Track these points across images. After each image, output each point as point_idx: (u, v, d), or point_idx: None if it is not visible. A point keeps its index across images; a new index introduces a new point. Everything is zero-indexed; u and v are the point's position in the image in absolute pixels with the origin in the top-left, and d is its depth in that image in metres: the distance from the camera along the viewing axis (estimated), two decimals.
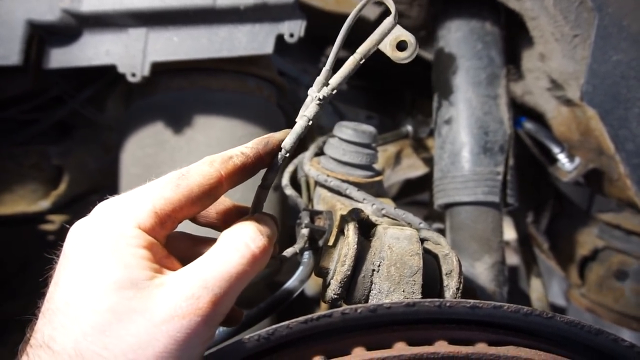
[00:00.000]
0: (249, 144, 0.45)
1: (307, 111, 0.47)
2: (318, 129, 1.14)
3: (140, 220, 0.38)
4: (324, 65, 1.41)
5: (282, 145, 0.47)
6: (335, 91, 0.48)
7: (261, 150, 0.45)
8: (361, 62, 0.49)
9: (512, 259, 1.35)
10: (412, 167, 1.20)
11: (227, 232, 0.41)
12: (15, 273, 1.10)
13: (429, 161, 1.20)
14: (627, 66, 0.78)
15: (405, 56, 0.48)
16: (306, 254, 0.71)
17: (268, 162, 0.46)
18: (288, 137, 0.47)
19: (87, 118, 1.06)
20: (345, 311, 0.40)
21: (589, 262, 1.13)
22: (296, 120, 0.48)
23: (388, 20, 0.48)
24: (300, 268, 0.69)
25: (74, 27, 0.77)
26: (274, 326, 0.40)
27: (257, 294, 0.98)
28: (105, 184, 1.11)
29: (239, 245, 0.39)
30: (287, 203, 1.05)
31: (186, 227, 0.47)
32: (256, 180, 0.49)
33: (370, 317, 0.41)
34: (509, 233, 1.27)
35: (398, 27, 0.48)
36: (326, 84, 0.48)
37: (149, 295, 0.35)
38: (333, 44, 1.54)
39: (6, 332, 1.02)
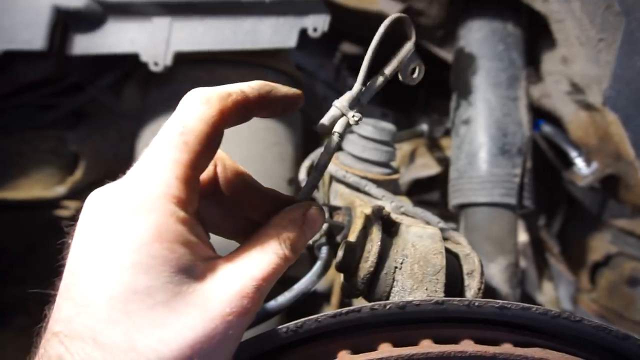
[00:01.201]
0: (252, 83, 0.41)
1: (338, 127, 0.45)
2: None
3: (175, 196, 0.35)
4: (337, 61, 1.39)
5: (315, 168, 0.45)
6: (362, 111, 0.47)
7: (263, 94, 0.41)
8: (387, 80, 0.49)
9: (523, 261, 1.34)
10: (426, 166, 1.20)
11: (273, 230, 0.39)
12: (24, 257, 1.11)
13: (442, 161, 1.19)
14: None
15: (416, 80, 0.52)
16: (324, 249, 0.71)
17: (268, 112, 0.42)
18: (322, 156, 0.45)
19: (104, 105, 1.06)
20: (374, 307, 0.40)
21: (601, 267, 1.13)
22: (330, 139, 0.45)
23: (410, 44, 0.50)
24: (318, 263, 0.69)
25: (99, 14, 0.77)
26: (302, 319, 0.40)
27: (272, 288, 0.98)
28: (120, 171, 1.11)
29: (279, 249, 0.38)
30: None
31: None
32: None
33: (398, 314, 0.41)
34: (521, 236, 1.27)
35: (413, 53, 0.51)
36: (358, 101, 0.47)
37: (204, 289, 0.34)
38: (348, 39, 1.54)
39: (8, 315, 1.03)
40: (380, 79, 0.48)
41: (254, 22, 0.78)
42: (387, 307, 0.40)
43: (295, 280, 0.67)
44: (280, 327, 0.40)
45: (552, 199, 1.22)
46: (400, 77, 0.50)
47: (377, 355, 0.40)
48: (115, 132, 1.09)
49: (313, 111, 1.18)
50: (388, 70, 0.49)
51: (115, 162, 1.10)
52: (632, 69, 0.78)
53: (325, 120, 0.45)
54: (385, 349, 0.41)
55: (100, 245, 0.34)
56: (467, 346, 0.40)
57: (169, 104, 0.96)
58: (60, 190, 0.98)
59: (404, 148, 1.14)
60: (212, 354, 0.34)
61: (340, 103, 0.46)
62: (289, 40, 0.78)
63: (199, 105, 0.38)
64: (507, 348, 0.40)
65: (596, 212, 1.18)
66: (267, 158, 0.97)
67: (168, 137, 0.37)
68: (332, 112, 0.46)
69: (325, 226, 0.68)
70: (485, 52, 0.94)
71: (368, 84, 0.48)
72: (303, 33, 0.79)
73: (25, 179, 0.98)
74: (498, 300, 0.41)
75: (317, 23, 0.77)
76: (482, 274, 0.55)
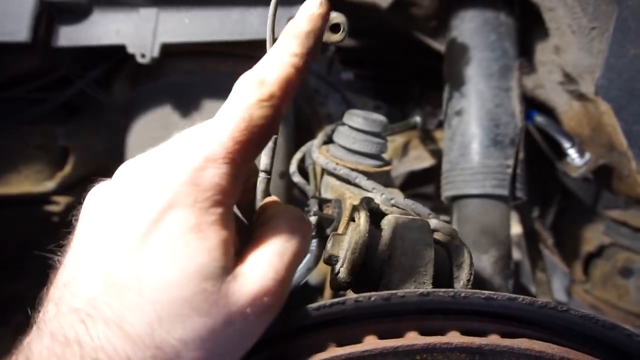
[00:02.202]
0: (296, 48, 0.39)
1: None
2: (326, 117, 1.13)
3: (218, 181, 0.34)
4: (331, 53, 1.38)
5: (263, 168, 0.46)
6: None
7: (313, 52, 0.40)
8: None
9: (516, 253, 1.34)
10: (419, 159, 1.19)
11: (281, 221, 0.39)
12: (17, 253, 1.10)
13: (436, 153, 1.19)
14: None
15: (339, 38, 0.48)
16: (314, 242, 0.71)
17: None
18: (264, 156, 0.46)
19: (94, 99, 1.05)
20: (358, 299, 0.40)
21: (594, 258, 1.13)
22: None
23: None
24: (308, 256, 0.69)
25: (84, 4, 0.75)
26: (289, 313, 0.40)
27: None
28: (111, 166, 1.10)
29: (297, 237, 0.38)
30: (292, 191, 1.05)
31: None
32: None
33: (384, 306, 0.40)
34: (514, 227, 1.26)
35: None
36: None
37: (228, 288, 0.33)
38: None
39: (8, 313, 1.02)
40: None
41: (241, 12, 0.77)
42: (372, 299, 0.40)
43: None
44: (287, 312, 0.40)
45: (546, 190, 1.21)
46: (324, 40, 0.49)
47: (362, 347, 0.39)
48: (105, 126, 1.08)
49: (305, 104, 1.17)
50: None
51: (105, 157, 1.09)
52: (624, 57, 0.77)
53: None
54: (371, 341, 0.40)
55: (146, 254, 0.33)
56: (453, 337, 0.40)
57: (159, 97, 0.96)
58: (50, 185, 0.97)
59: (396, 140, 1.13)
60: (228, 352, 0.33)
61: None
62: (278, 30, 0.77)
63: (254, 87, 0.37)
64: (493, 339, 0.40)
65: (590, 203, 1.18)
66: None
67: (234, 107, 0.36)
68: None
69: (315, 219, 0.67)
70: (478, 43, 0.93)
71: None
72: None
73: (14, 174, 0.97)
74: (484, 291, 0.41)
75: None
76: (471, 265, 0.54)
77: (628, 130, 0.79)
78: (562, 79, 0.96)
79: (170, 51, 0.83)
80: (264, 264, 0.35)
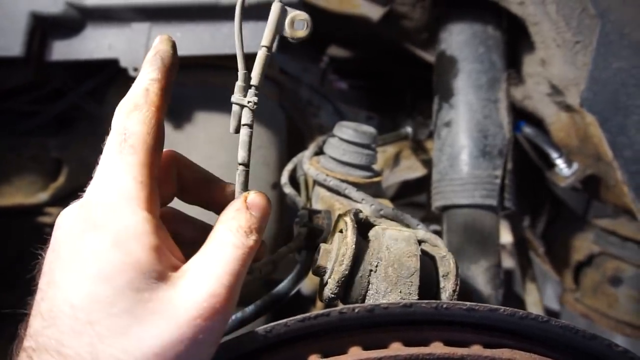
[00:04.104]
0: (150, 62, 0.45)
1: (245, 119, 0.46)
2: (318, 128, 1.15)
3: (135, 198, 0.36)
4: (325, 65, 1.40)
5: (240, 161, 0.46)
6: (258, 92, 0.48)
7: (168, 66, 0.45)
8: (271, 53, 0.49)
9: (508, 262, 1.35)
10: (411, 169, 1.20)
11: (223, 225, 0.40)
12: (11, 265, 1.10)
13: (427, 163, 1.20)
14: (628, 74, 0.79)
15: (304, 34, 0.51)
16: (303, 253, 0.71)
17: (172, 76, 0.45)
18: (241, 150, 0.46)
19: (87, 111, 1.05)
20: (342, 310, 0.40)
21: (584, 267, 1.14)
22: (240, 131, 0.47)
23: (275, 5, 0.50)
24: (297, 267, 0.69)
25: (78, 20, 0.77)
26: (271, 324, 0.40)
27: (254, 292, 0.98)
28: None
29: (234, 239, 0.38)
30: (285, 201, 1.06)
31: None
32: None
33: (368, 317, 0.41)
34: (505, 236, 1.27)
35: (288, 8, 0.51)
36: (249, 86, 0.48)
37: (168, 296, 0.34)
38: (334, 43, 1.54)
39: (2, 324, 1.02)
40: (261, 53, 0.50)
41: (232, 27, 0.78)
42: (356, 310, 0.41)
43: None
44: (248, 332, 0.40)
45: (537, 199, 1.22)
46: (289, 36, 0.51)
47: (346, 358, 0.40)
48: (99, 137, 1.08)
49: (297, 115, 1.18)
50: (265, 40, 0.50)
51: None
52: (607, 70, 0.78)
53: (232, 124, 0.47)
54: (355, 352, 0.41)
55: (66, 260, 0.34)
56: (436, 348, 0.41)
57: None
58: (43, 196, 0.97)
59: (388, 151, 1.14)
60: (183, 358, 0.33)
61: (234, 98, 0.47)
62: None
63: (130, 113, 0.40)
64: (476, 350, 0.41)
65: (580, 212, 1.19)
66: (251, 162, 0.97)
67: (114, 147, 0.39)
68: (233, 110, 0.47)
69: (304, 230, 0.68)
70: (466, 55, 0.95)
71: (256, 63, 0.48)
72: (283, 37, 0.79)
73: (7, 185, 0.97)
74: (466, 302, 0.42)
75: None
76: (457, 275, 0.55)
77: (613, 141, 0.80)
78: (549, 91, 0.98)
79: None
80: (206, 269, 0.36)
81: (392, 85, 1.43)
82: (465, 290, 0.79)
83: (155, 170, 0.39)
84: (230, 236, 0.38)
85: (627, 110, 0.80)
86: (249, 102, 0.47)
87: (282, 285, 0.67)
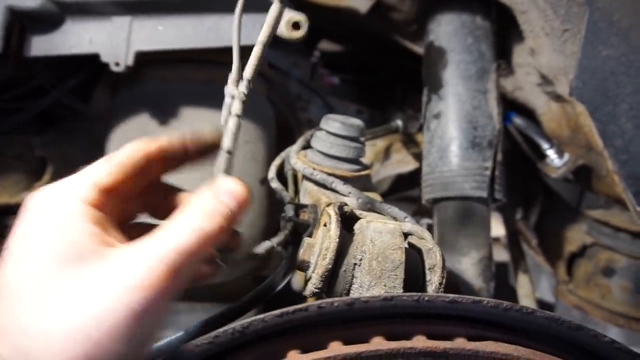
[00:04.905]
0: (177, 134, 0.47)
1: (234, 109, 0.47)
2: (307, 123, 1.13)
3: (83, 195, 0.39)
4: (316, 59, 1.39)
5: (223, 148, 0.47)
6: (251, 84, 0.49)
7: (188, 141, 0.46)
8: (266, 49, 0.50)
9: (503, 255, 1.35)
10: (402, 162, 1.19)
11: (187, 207, 0.41)
12: None
13: (418, 156, 1.19)
14: (617, 62, 0.78)
15: (300, 35, 0.52)
16: (290, 249, 0.70)
17: (196, 158, 0.47)
18: (226, 138, 0.47)
19: (72, 109, 1.04)
20: (321, 305, 0.39)
21: (577, 258, 1.13)
22: (225, 121, 0.48)
23: (275, 5, 0.50)
24: (283, 262, 0.68)
25: (56, 14, 0.75)
26: (249, 319, 0.39)
27: (243, 288, 0.97)
28: None
29: (194, 224, 0.38)
30: (275, 197, 1.05)
31: None
32: None
33: (348, 311, 0.40)
34: (500, 229, 1.27)
35: (287, 9, 0.51)
36: (241, 78, 0.49)
37: (101, 269, 0.35)
38: (325, 37, 1.52)
39: None
40: (257, 49, 0.50)
41: (216, 19, 0.77)
42: (336, 304, 0.39)
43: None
44: (226, 328, 0.39)
45: (529, 191, 1.22)
46: (286, 37, 0.51)
47: (326, 354, 0.39)
48: (84, 135, 1.07)
49: (286, 110, 1.17)
50: (261, 37, 0.50)
51: (85, 166, 1.08)
52: (596, 58, 0.77)
53: (223, 115, 0.48)
54: (335, 347, 0.40)
55: (15, 240, 0.37)
56: (418, 342, 0.40)
57: (137, 105, 0.95)
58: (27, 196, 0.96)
59: (378, 144, 1.13)
60: (118, 330, 0.33)
61: (227, 88, 0.48)
62: (253, 37, 0.77)
63: (129, 144, 0.45)
64: (459, 343, 0.40)
65: (573, 203, 1.18)
66: (238, 157, 0.96)
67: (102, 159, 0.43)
68: (225, 102, 0.48)
69: (289, 224, 0.67)
70: (455, 46, 0.94)
71: (250, 58, 0.49)
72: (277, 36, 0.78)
73: None
74: (449, 295, 0.41)
75: None
76: (443, 268, 0.54)
77: (603, 130, 0.79)
78: (540, 81, 0.97)
79: (146, 59, 0.83)
80: (147, 248, 0.36)
81: (383, 78, 1.42)
82: (455, 283, 0.78)
83: (122, 188, 0.42)
84: (188, 217, 0.39)
85: (617, 98, 0.79)
86: (240, 92, 0.47)
87: (268, 281, 0.65)
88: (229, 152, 0.47)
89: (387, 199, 1.48)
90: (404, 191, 1.45)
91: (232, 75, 0.49)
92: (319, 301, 0.39)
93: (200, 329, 0.54)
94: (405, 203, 1.49)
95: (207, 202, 0.40)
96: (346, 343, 0.40)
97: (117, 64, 0.76)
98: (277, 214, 1.05)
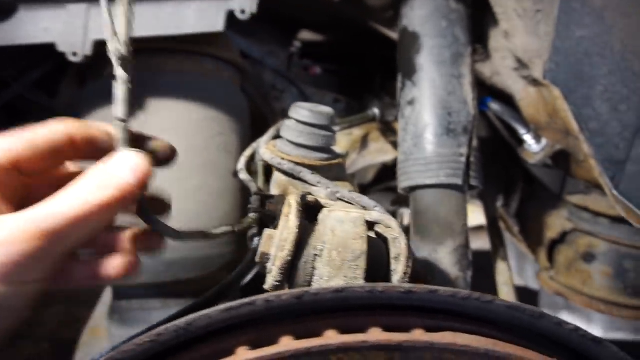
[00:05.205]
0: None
1: (118, 74, 0.48)
2: (282, 112, 1.11)
3: None
4: (295, 49, 1.35)
5: (115, 117, 0.47)
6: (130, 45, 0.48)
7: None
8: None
9: (486, 244, 1.33)
10: (382, 151, 1.17)
11: (77, 181, 0.42)
12: None
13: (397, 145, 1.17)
14: (591, 42, 0.76)
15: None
16: (255, 240, 0.68)
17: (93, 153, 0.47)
18: (116, 105, 0.48)
19: (39, 103, 1.01)
20: (269, 298, 0.37)
21: (558, 244, 1.12)
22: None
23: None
24: (248, 255, 0.66)
25: (7, 2, 0.72)
26: (192, 316, 0.37)
27: (215, 279, 0.95)
28: None
29: (80, 195, 0.41)
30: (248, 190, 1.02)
31: None
32: None
33: (297, 305, 0.38)
34: (481, 218, 1.25)
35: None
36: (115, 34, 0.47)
37: None
38: (305, 27, 1.49)
39: None
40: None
41: (176, 6, 0.74)
42: (283, 298, 0.37)
43: None
44: (168, 325, 0.37)
45: (510, 178, 1.20)
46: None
47: (276, 349, 0.37)
48: None
49: (260, 100, 1.14)
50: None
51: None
52: (570, 40, 0.76)
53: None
54: (286, 342, 0.38)
55: None
56: (373, 335, 0.38)
57: (103, 97, 0.92)
58: None
59: (354, 133, 1.11)
60: None
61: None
62: (216, 24, 0.74)
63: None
64: (416, 335, 0.38)
65: (556, 189, 1.17)
66: (210, 149, 0.94)
67: None
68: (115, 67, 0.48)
69: (254, 216, 0.65)
70: (428, 30, 0.91)
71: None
72: (231, 16, 0.75)
73: None
74: (404, 285, 0.39)
75: (245, 5, 0.74)
76: (408, 257, 0.52)
77: (578, 114, 0.78)
78: (516, 65, 0.95)
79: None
80: (24, 213, 0.39)
81: (362, 68, 1.39)
82: (420, 272, 0.76)
83: (29, 166, 0.43)
84: (76, 188, 0.41)
85: (592, 80, 0.77)
86: (116, 52, 0.47)
87: (233, 275, 0.63)
88: (123, 121, 0.47)
89: (372, 190, 1.46)
90: (389, 181, 1.43)
91: (109, 38, 0.48)
92: (266, 295, 0.37)
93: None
94: (391, 193, 1.47)
95: (98, 175, 0.42)
96: (297, 337, 0.38)
97: (74, 54, 0.73)
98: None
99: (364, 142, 1.12)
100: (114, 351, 0.36)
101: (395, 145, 1.17)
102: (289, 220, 0.51)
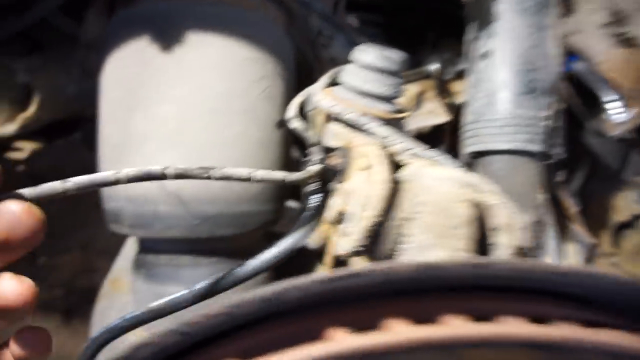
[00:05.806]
0: None
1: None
2: (330, 61, 1.00)
3: None
4: None
5: None
6: None
7: None
8: None
9: None
10: (433, 113, 1.06)
11: None
12: None
13: (451, 108, 1.06)
14: None
15: None
16: (314, 198, 0.59)
17: None
18: None
19: (63, 34, 0.91)
20: (389, 268, 0.28)
21: (625, 229, 1.03)
22: None
23: None
24: (307, 214, 0.57)
25: None
26: (281, 285, 0.28)
27: (253, 243, 0.86)
28: (85, 112, 0.97)
29: None
30: (289, 147, 0.92)
31: None
32: None
33: (417, 280, 0.29)
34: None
35: None
36: None
37: None
38: None
39: None
40: None
41: None
42: (410, 268, 0.28)
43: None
44: (248, 296, 0.28)
45: (573, 152, 1.09)
46: None
47: (387, 337, 0.28)
48: (77, 64, 0.94)
49: (306, 47, 1.03)
50: None
51: (78, 101, 0.95)
52: None
53: None
54: (398, 327, 0.29)
55: None
56: (512, 326, 0.29)
57: (135, 29, 0.82)
58: (10, 128, 0.84)
59: (410, 90, 1.00)
60: None
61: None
62: None
63: None
64: (571, 331, 0.28)
65: (620, 169, 1.06)
66: (251, 95, 0.83)
67: None
68: None
69: (315, 169, 0.55)
70: None
71: None
72: None
73: None
74: (560, 264, 0.29)
75: None
76: (517, 229, 0.43)
77: None
78: (607, 20, 0.83)
79: None
80: None
81: (411, 21, 1.28)
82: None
83: None
84: None
85: None
86: None
87: (290, 236, 0.54)
88: None
89: None
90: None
91: None
92: (380, 265, 0.28)
93: (209, 289, 0.44)
94: None
95: None
96: (414, 322, 0.29)
97: None
98: (294, 167, 0.94)
99: (418, 100, 1.01)
100: (176, 321, 0.27)
101: (449, 107, 1.06)
102: (375, 173, 0.41)
